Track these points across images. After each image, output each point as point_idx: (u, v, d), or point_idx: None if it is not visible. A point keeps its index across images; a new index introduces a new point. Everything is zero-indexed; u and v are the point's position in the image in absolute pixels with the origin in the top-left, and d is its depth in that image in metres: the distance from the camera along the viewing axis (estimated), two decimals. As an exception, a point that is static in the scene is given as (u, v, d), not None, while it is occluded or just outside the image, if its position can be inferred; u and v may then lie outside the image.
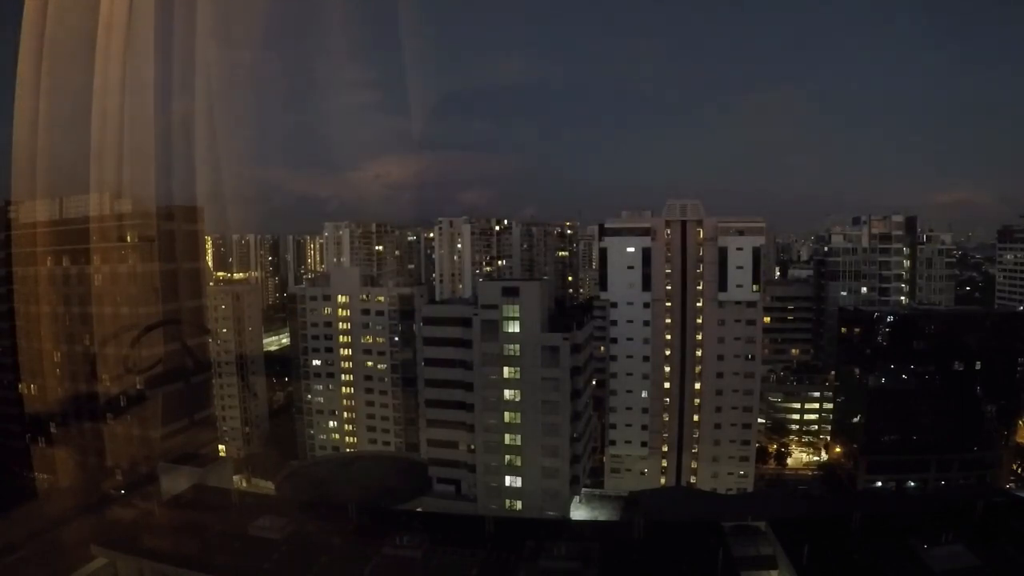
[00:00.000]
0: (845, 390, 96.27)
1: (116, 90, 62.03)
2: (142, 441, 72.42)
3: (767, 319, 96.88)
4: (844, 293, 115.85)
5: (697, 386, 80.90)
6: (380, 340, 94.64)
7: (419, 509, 59.45)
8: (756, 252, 78.78)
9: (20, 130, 61.43)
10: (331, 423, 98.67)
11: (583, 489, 66.89)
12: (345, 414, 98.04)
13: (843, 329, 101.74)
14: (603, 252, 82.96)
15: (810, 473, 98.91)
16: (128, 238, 73.16)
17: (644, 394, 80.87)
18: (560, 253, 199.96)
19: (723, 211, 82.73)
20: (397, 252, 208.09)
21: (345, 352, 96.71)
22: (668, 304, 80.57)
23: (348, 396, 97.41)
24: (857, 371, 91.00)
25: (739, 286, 78.23)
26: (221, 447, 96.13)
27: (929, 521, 37.88)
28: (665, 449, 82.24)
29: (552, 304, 79.23)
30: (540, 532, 40.41)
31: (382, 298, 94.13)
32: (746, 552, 37.27)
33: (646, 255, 80.00)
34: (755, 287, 78.33)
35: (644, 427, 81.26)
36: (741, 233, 79.04)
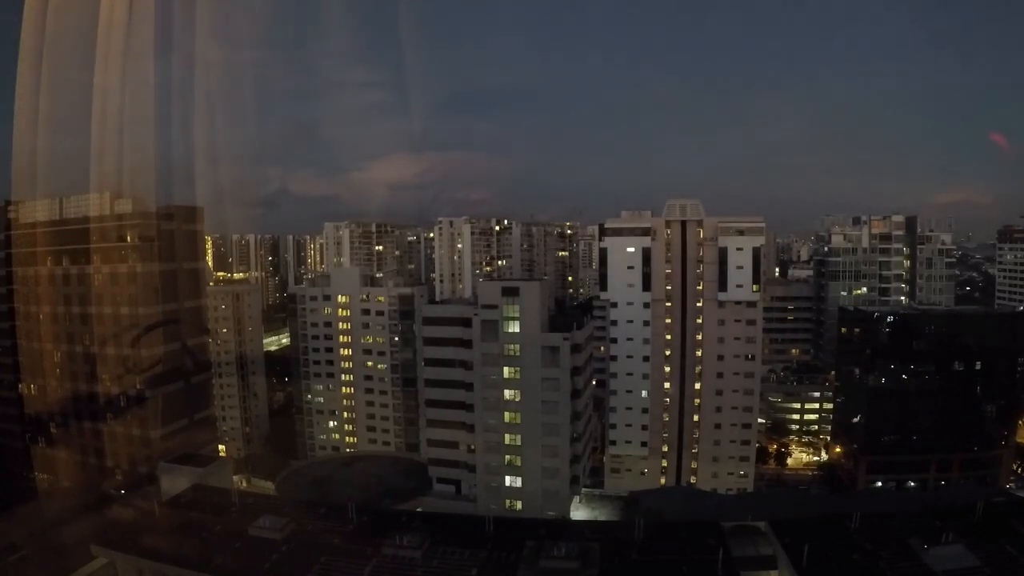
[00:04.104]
0: (845, 390, 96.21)
1: (116, 90, 62.10)
2: (142, 441, 72.44)
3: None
4: (844, 293, 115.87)
5: (697, 386, 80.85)
6: (380, 340, 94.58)
7: (419, 509, 59.36)
8: (756, 252, 78.72)
9: (20, 130, 61.48)
10: (331, 423, 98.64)
11: (583, 489, 66.77)
12: (345, 414, 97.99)
13: (843, 329, 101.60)
14: (603, 252, 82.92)
15: (810, 473, 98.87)
16: (128, 238, 73.12)
17: (644, 394, 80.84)
18: (560, 253, 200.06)
19: (723, 211, 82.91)
20: (397, 252, 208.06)
21: (345, 352, 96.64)
22: (668, 304, 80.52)
23: (348, 396, 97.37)
24: (857, 371, 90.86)
25: (739, 286, 78.19)
26: (221, 447, 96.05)
27: (929, 521, 37.92)
28: (665, 449, 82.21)
29: (552, 304, 79.17)
30: (540, 532, 40.41)
31: (382, 298, 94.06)
32: (746, 552, 37.31)
33: (646, 255, 79.97)
34: (755, 287, 78.27)
35: (644, 427, 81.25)
36: (741, 233, 78.99)
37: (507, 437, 64.10)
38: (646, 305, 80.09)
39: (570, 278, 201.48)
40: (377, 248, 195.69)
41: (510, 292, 63.18)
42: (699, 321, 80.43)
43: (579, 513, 62.55)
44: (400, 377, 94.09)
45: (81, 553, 43.24)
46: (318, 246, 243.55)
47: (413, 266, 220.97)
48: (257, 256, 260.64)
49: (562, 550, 36.28)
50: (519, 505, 63.60)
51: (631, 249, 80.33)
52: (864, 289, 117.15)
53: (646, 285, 79.84)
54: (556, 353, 61.87)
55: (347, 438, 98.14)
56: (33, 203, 76.15)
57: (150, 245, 73.18)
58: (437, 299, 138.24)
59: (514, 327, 62.74)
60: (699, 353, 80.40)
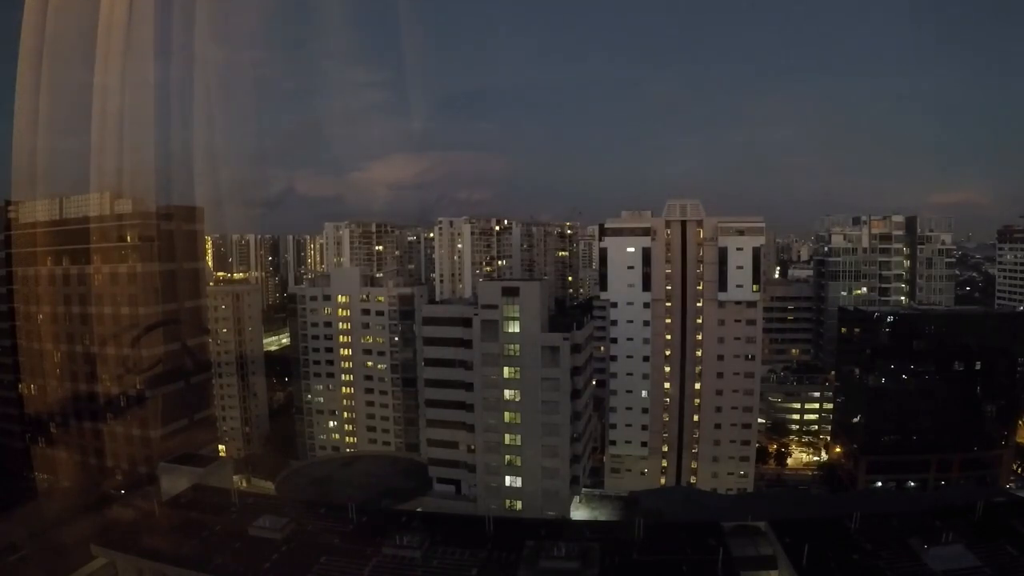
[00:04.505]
0: (845, 390, 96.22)
1: (116, 90, 62.09)
2: (142, 441, 72.43)
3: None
4: (844, 293, 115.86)
5: (697, 386, 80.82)
6: (380, 340, 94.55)
7: (419, 509, 59.39)
8: (756, 252, 78.67)
9: (20, 130, 61.46)
10: (331, 423, 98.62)
11: (583, 489, 66.82)
12: (345, 414, 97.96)
13: (843, 329, 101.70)
14: (603, 252, 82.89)
15: (810, 473, 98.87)
16: (128, 238, 73.10)
17: (644, 394, 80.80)
18: (560, 253, 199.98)
19: (723, 211, 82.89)
20: (397, 252, 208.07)
21: (345, 352, 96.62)
22: (668, 304, 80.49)
23: (348, 396, 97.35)
24: (857, 371, 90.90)
25: (739, 286, 78.16)
26: (221, 447, 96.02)
27: (929, 521, 37.94)
28: (665, 449, 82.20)
29: (552, 304, 79.14)
30: (540, 532, 40.43)
31: (382, 298, 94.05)
32: (746, 552, 37.33)
33: (646, 255, 79.95)
34: (755, 287, 78.24)
35: (644, 427, 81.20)
36: (741, 233, 78.95)
37: (507, 437, 64.12)
38: (646, 305, 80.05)
39: (570, 278, 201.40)
40: (377, 248, 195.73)
41: (510, 292, 63.19)
42: (699, 321, 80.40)
43: (579, 513, 62.58)
44: (400, 377, 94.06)
45: (81, 553, 43.25)
46: (318, 246, 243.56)
47: (413, 266, 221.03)
48: (257, 256, 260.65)
49: (562, 550, 36.29)
50: (519, 505, 63.61)
51: (631, 249, 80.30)
52: (864, 289, 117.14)
53: (646, 285, 79.81)
54: (556, 353, 61.88)
55: (347, 438, 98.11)
56: (33, 203, 76.13)
57: (150, 245, 73.15)
58: (437, 299, 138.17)
59: (514, 327, 62.75)
60: (699, 353, 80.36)
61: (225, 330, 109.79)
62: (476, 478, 65.58)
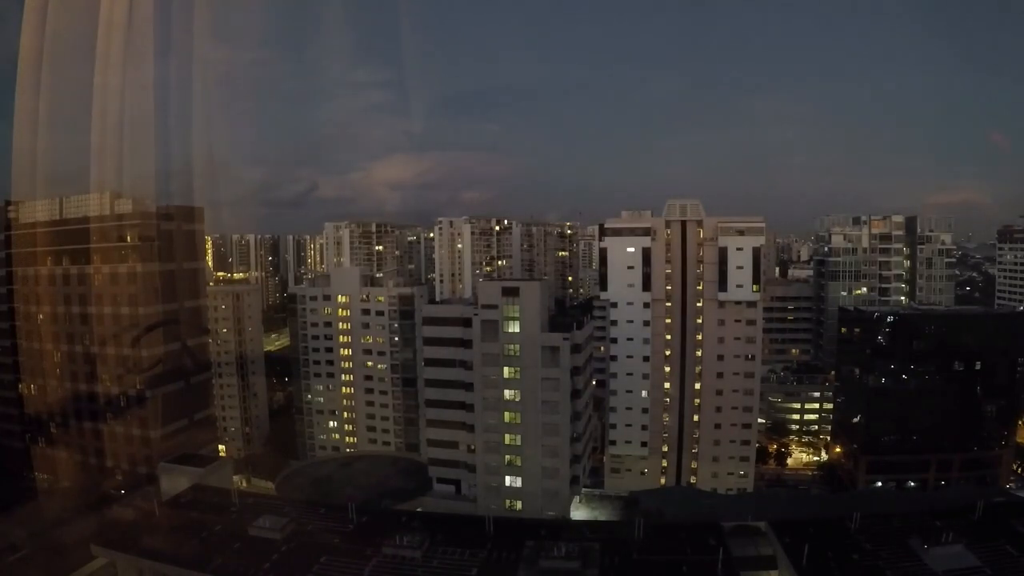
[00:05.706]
0: (845, 390, 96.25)
1: (116, 90, 62.09)
2: (142, 441, 72.46)
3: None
4: (844, 293, 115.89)
5: (697, 386, 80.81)
6: (380, 340, 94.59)
7: (419, 509, 59.41)
8: (756, 252, 78.65)
9: (20, 130, 61.47)
10: (331, 423, 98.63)
11: (583, 489, 66.81)
12: (345, 414, 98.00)
13: (843, 329, 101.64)
14: (603, 252, 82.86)
15: (810, 473, 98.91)
16: (128, 238, 73.12)
17: (644, 394, 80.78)
18: (560, 253, 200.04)
19: (723, 211, 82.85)
20: (397, 252, 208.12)
21: (345, 352, 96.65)
22: (668, 304, 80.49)
23: (348, 396, 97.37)
24: (857, 371, 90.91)
25: (739, 286, 78.14)
26: (221, 447, 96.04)
27: (929, 521, 37.98)
28: (665, 449, 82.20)
29: (552, 304, 79.16)
30: (540, 532, 40.45)
31: (382, 298, 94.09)
32: (746, 552, 37.37)
33: (646, 255, 79.94)
34: (755, 287, 78.22)
35: (644, 427, 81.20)
36: (741, 233, 78.92)
37: (507, 437, 64.11)
38: (646, 305, 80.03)
39: (570, 278, 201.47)
40: (377, 248, 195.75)
41: (510, 292, 63.18)
42: (699, 321, 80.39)
43: (579, 513, 62.58)
44: (400, 377, 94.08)
45: (81, 553, 43.27)
46: (318, 246, 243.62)
47: (413, 266, 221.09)
48: (257, 256, 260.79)
49: (562, 550, 36.33)
50: (519, 505, 63.61)
51: (631, 249, 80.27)
52: (864, 289, 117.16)
53: (646, 285, 79.79)
54: (556, 353, 61.88)
55: (347, 438, 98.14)
56: (33, 203, 76.16)
57: (150, 245, 73.18)
58: (437, 299, 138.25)
59: (514, 327, 62.75)
60: (699, 353, 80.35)
61: (225, 330, 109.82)
62: (476, 478, 65.56)
